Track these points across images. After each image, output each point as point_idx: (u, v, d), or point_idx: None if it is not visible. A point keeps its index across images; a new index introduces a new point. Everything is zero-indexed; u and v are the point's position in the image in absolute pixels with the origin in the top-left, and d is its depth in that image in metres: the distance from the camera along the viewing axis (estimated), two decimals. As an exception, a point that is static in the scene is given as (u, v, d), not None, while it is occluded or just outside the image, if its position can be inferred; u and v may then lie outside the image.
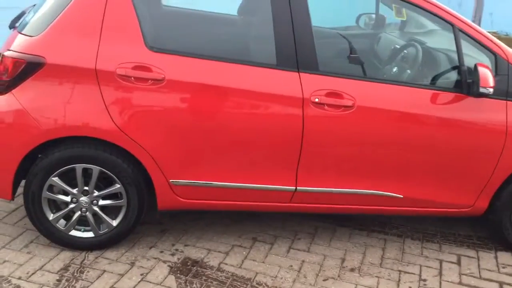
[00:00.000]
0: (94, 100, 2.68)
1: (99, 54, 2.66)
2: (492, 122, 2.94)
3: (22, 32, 2.79)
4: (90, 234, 2.97)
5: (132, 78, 2.68)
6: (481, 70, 2.75)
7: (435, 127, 2.91)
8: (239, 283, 2.84)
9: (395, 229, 3.52)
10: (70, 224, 2.93)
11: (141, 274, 2.85)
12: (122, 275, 2.83)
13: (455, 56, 2.95)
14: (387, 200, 3.06)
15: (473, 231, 3.54)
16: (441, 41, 3.45)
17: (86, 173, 2.83)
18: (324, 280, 2.93)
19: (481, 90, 2.73)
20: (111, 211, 2.97)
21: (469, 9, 8.94)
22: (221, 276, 2.89)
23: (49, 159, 2.76)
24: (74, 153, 2.77)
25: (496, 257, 3.25)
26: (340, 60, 3.04)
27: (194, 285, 2.79)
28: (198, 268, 2.94)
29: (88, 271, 2.84)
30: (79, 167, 2.80)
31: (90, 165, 2.80)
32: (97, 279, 2.78)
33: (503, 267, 3.15)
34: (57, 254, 2.96)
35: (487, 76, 2.74)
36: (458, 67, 2.93)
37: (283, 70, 2.79)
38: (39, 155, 2.79)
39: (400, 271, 3.06)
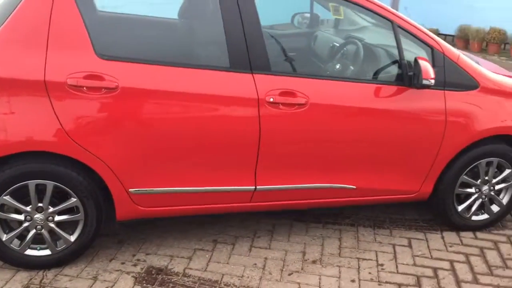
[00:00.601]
0: (44, 114, 2.58)
1: (47, 64, 2.56)
2: (432, 111, 3.14)
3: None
4: (46, 252, 2.86)
5: (84, 88, 2.60)
6: (422, 63, 2.93)
7: (381, 119, 3.06)
8: (207, 286, 2.85)
9: (347, 219, 3.66)
10: (25, 244, 2.80)
11: (106, 288, 2.79)
12: (85, 291, 2.75)
13: (394, 50, 3.12)
14: (341, 192, 3.18)
15: (418, 215, 3.75)
16: (376, 37, 3.63)
17: (39, 189, 2.71)
18: (289, 274, 3.00)
19: (424, 82, 2.91)
20: (67, 226, 2.87)
21: (385, 3, 9.43)
22: (188, 281, 2.88)
23: (-1, 177, 2.63)
24: (26, 169, 2.65)
25: (443, 237, 3.47)
26: (288, 59, 3.12)
27: (163, 293, 2.77)
28: (164, 276, 2.91)
29: (49, 291, 2.73)
30: (31, 183, 2.68)
31: (44, 181, 2.69)
32: (60, 298, 2.69)
33: (450, 246, 3.37)
34: (13, 276, 2.83)
35: (427, 68, 2.92)
36: (398, 61, 3.09)
37: (237, 72, 2.82)
38: None
39: (358, 258, 3.20)
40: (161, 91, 2.71)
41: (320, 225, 3.57)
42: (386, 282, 2.96)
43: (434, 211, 3.56)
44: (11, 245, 2.79)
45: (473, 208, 3.45)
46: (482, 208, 3.50)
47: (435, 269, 3.11)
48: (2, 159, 2.59)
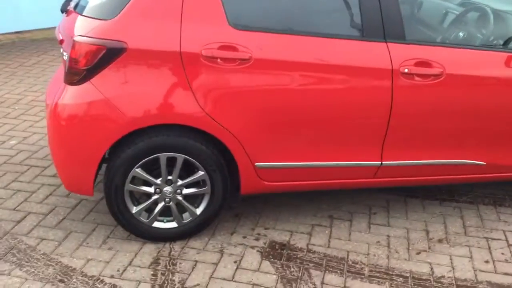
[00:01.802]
0: (179, 85, 2.53)
1: (182, 35, 2.49)
2: None
3: (88, 15, 2.60)
4: (173, 225, 2.85)
5: (219, 59, 2.52)
6: None
7: None
8: (335, 263, 2.78)
9: (465, 196, 3.49)
10: (154, 216, 2.80)
11: (235, 262, 2.76)
12: (216, 264, 2.73)
13: None
14: (469, 168, 3.02)
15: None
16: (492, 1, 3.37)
17: (166, 162, 2.69)
18: (417, 253, 2.88)
19: None
20: (192, 199, 2.85)
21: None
22: (314, 257, 2.82)
23: (132, 150, 2.61)
24: (159, 142, 2.62)
25: None
26: (421, 27, 2.93)
27: (292, 269, 2.72)
28: (289, 251, 2.86)
29: (180, 263, 2.73)
30: (163, 156, 2.66)
31: (175, 154, 2.66)
32: (192, 270, 2.68)
33: None
34: (141, 248, 2.84)
35: None
36: None
37: (370, 41, 2.67)
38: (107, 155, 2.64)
39: (486, 238, 3.04)
40: (294, 62, 2.61)
41: (437, 202, 3.42)
42: (523, 264, 2.80)
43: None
44: (140, 218, 2.79)
45: None
46: None
47: None
48: (136, 132, 2.57)
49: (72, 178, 2.68)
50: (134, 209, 2.77)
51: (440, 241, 3.00)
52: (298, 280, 2.64)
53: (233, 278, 2.64)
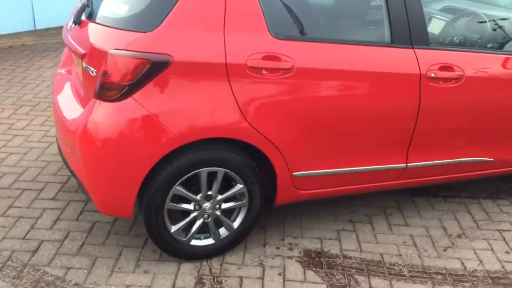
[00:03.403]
0: (225, 98, 2.45)
1: (226, 46, 2.42)
2: None
3: (119, 27, 2.45)
4: (210, 241, 2.76)
5: (263, 70, 2.48)
6: None
7: None
8: (374, 267, 2.83)
9: (464, 192, 3.67)
10: (192, 234, 2.69)
11: (279, 274, 2.72)
12: (261, 278, 2.68)
13: None
14: (480, 165, 3.19)
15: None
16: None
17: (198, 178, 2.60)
18: (444, 250, 3.00)
19: None
20: (227, 214, 2.77)
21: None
22: (353, 263, 2.85)
23: (174, 166, 2.49)
24: (202, 157, 2.53)
25: None
26: (442, 32, 3.06)
27: (338, 276, 2.73)
28: (326, 259, 2.87)
29: (225, 280, 2.65)
30: (204, 171, 2.57)
31: (215, 168, 2.58)
32: (240, 286, 2.61)
33: None
34: (178, 268, 2.72)
35: None
36: None
37: (399, 47, 2.76)
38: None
39: (498, 230, 3.23)
40: (334, 70, 2.63)
41: (441, 199, 3.58)
42: (539, 252, 3.01)
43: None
44: (179, 237, 2.67)
45: None
46: None
47: None
48: (178, 147, 2.46)
49: (111, 200, 2.51)
50: (173, 229, 2.64)
51: (459, 236, 3.15)
52: (348, 287, 2.65)
53: (284, 291, 2.60)
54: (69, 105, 2.76)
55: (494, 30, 3.21)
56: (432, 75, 2.80)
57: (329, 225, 3.20)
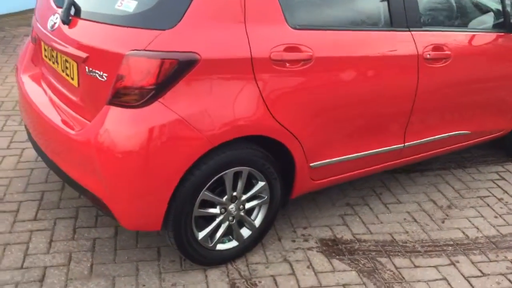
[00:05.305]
0: (251, 94, 2.35)
1: (250, 40, 2.31)
2: None
3: (129, 25, 2.24)
4: (233, 244, 2.66)
5: (286, 62, 2.41)
6: None
7: (500, 63, 3.30)
8: (390, 247, 2.91)
9: (435, 164, 3.89)
10: (218, 238, 2.57)
11: (308, 267, 2.70)
12: (293, 274, 2.64)
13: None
14: (460, 138, 3.40)
15: (479, 151, 4.08)
16: None
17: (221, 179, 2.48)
18: (442, 222, 3.17)
19: None
20: (248, 213, 2.69)
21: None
22: (370, 246, 2.91)
23: (202, 170, 2.35)
24: (228, 158, 2.41)
25: (525, 167, 3.89)
26: (428, 14, 3.16)
27: (363, 261, 2.77)
28: (345, 245, 2.90)
29: (259, 281, 2.58)
30: (230, 172, 2.45)
31: (241, 167, 2.48)
32: (277, 285, 2.55)
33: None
34: (206, 276, 2.59)
35: None
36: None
37: (399, 31, 2.82)
38: None
39: (479, 197, 3.47)
40: (349, 57, 2.64)
41: (418, 173, 3.76)
42: (522, 213, 3.29)
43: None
44: (205, 243, 2.54)
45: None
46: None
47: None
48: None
49: (140, 215, 2.30)
50: (200, 235, 2.51)
51: (449, 207, 3.34)
52: (376, 270, 2.70)
53: (320, 284, 2.59)
54: (58, 112, 2.50)
55: (467, 9, 3.41)
56: (428, 56, 2.90)
57: (331, 211, 3.22)
